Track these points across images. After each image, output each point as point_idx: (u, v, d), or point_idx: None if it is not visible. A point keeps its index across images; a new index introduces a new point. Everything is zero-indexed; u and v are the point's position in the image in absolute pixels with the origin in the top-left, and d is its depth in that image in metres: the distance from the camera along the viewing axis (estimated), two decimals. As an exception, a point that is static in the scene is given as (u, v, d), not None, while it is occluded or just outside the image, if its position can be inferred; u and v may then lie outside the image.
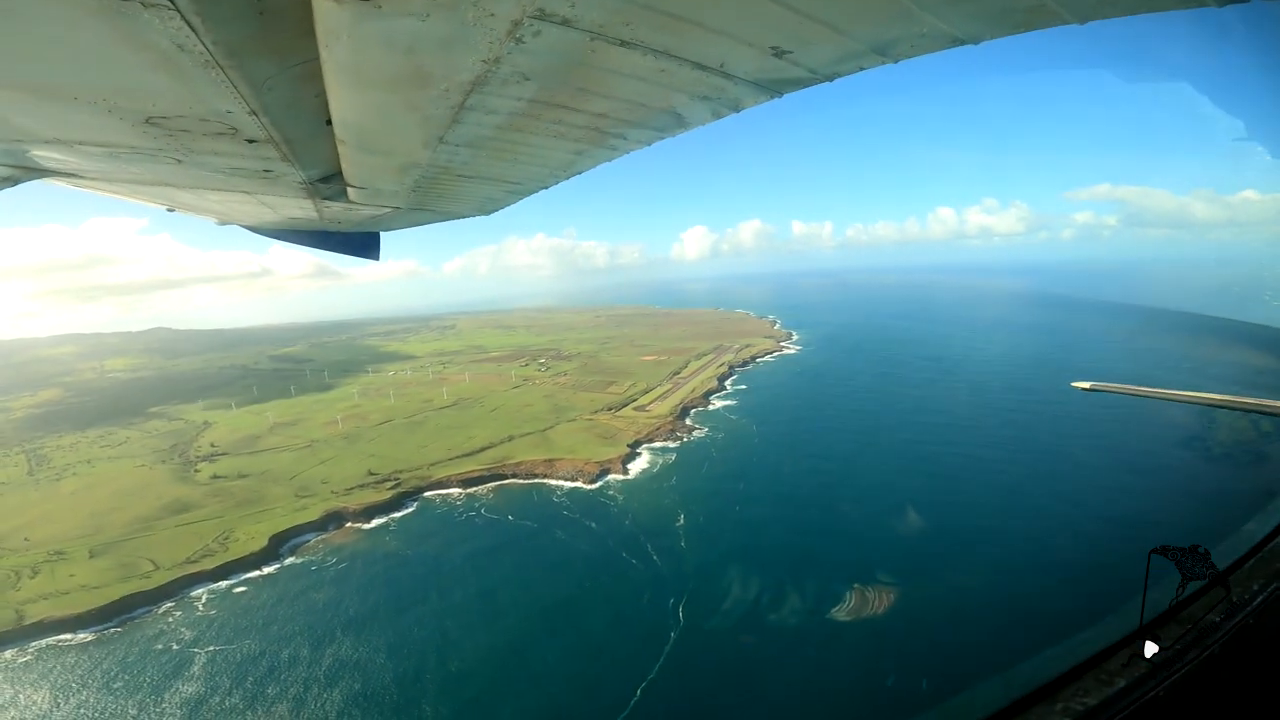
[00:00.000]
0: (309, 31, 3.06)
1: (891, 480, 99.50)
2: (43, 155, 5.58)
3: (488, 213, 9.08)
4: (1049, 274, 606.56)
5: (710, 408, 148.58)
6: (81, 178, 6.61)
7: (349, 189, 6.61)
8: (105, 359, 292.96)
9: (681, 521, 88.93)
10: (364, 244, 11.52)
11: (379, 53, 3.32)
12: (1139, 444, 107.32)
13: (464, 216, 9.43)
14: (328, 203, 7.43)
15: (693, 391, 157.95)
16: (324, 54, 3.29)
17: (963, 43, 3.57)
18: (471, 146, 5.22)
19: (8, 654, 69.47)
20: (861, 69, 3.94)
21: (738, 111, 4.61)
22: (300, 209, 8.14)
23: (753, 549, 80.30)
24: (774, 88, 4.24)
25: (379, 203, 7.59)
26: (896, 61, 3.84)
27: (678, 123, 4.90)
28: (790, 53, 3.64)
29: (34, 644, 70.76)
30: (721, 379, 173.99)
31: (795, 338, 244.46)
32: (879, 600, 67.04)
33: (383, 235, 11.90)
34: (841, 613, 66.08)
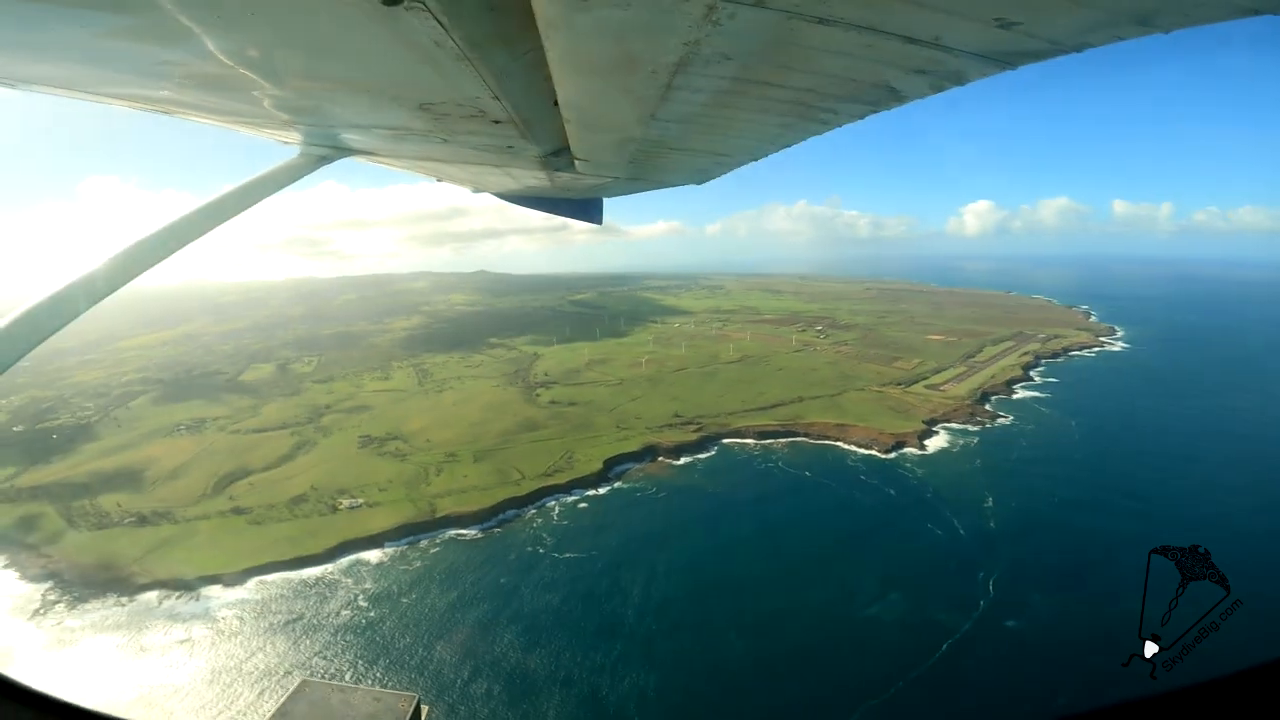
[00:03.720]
0: (532, 24, 3.43)
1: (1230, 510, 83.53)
2: (349, 137, 6.99)
3: (699, 182, 9.64)
4: None
5: (1014, 397, 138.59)
6: (376, 155, 8.16)
7: (575, 161, 7.28)
8: (449, 294, 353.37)
9: (990, 503, 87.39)
10: (589, 208, 12.90)
11: (591, 40, 3.67)
12: None
13: (677, 185, 10.15)
14: (558, 173, 8.25)
15: (992, 378, 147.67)
16: (546, 44, 3.66)
17: (1258, 12, 3.04)
18: (681, 122, 5.56)
19: (423, 543, 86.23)
20: (1120, 39, 3.51)
21: (963, 84, 4.33)
22: (536, 179, 9.22)
23: (1073, 544, 76.52)
24: (1005, 59, 3.92)
25: (601, 173, 8.38)
26: (1169, 31, 3.37)
27: (892, 96, 4.76)
28: (1019, 24, 3.34)
29: (441, 535, 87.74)
30: (1026, 368, 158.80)
31: (1119, 333, 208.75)
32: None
33: (622, 200, 13.09)
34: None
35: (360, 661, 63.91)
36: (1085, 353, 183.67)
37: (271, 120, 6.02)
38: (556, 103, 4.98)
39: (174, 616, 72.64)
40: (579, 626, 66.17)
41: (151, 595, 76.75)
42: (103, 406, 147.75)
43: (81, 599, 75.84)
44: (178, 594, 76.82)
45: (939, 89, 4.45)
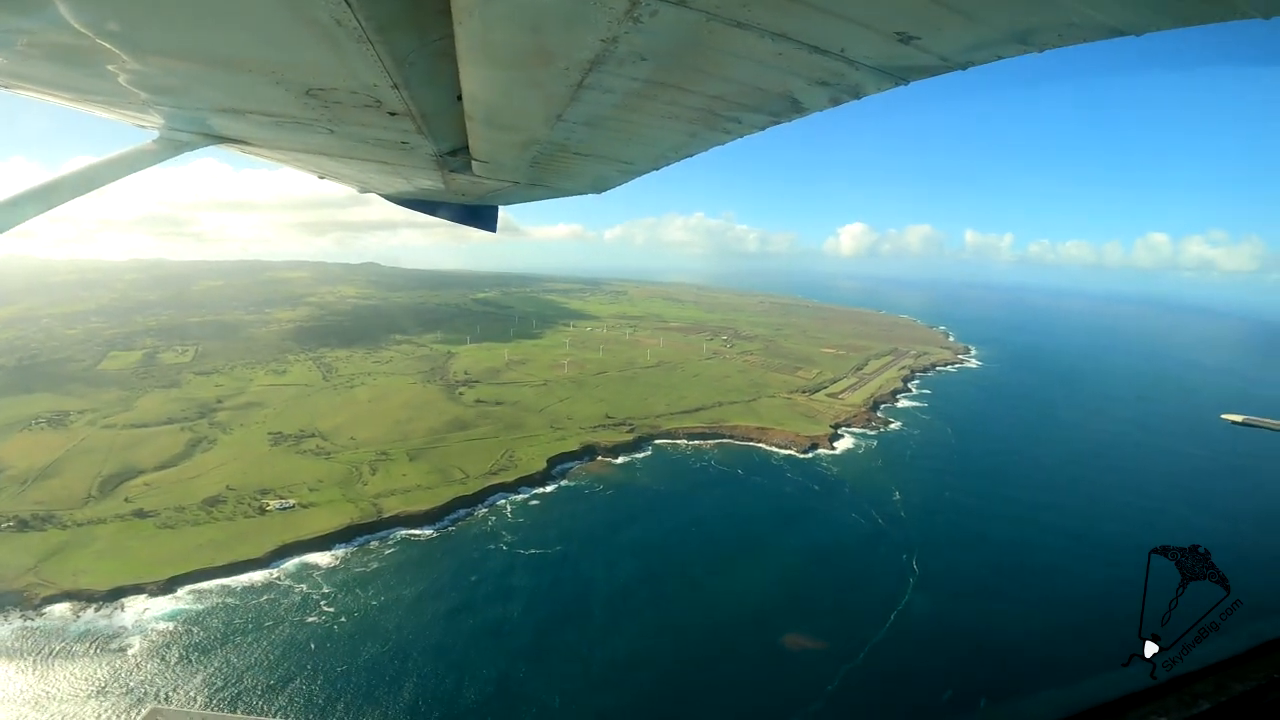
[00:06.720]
0: (446, 9, 3.34)
1: (1087, 505, 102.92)
2: (219, 123, 6.44)
3: (600, 191, 9.44)
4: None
5: (899, 405, 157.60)
6: (249, 144, 7.45)
7: (474, 162, 7.03)
8: (336, 286, 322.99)
9: (898, 497, 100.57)
10: (483, 215, 12.27)
11: (506, 28, 3.59)
12: None
13: (578, 193, 9.83)
14: (454, 175, 7.94)
15: (880, 388, 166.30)
16: (458, 30, 3.55)
17: (1122, 33, 3.31)
18: (588, 125, 5.48)
19: (374, 544, 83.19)
20: (1000, 58, 3.76)
21: (858, 98, 4.50)
22: (430, 180, 8.80)
23: (963, 524, 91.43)
24: (900, 75, 4.08)
25: (500, 177, 8.06)
26: (1042, 51, 3.64)
27: (794, 108, 4.84)
28: (918, 39, 3.52)
29: (393, 535, 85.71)
30: (905, 381, 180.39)
31: (974, 352, 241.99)
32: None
33: (523, 206, 13.98)
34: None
35: (348, 669, 60.08)
36: (949, 368, 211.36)
37: (126, 99, 5.44)
38: (460, 97, 4.90)
39: (97, 633, 65.22)
40: (564, 617, 68.79)
41: (62, 608, 68.83)
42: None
43: (-26, 615, 66.54)
44: (95, 606, 69.10)
45: (837, 102, 4.63)
